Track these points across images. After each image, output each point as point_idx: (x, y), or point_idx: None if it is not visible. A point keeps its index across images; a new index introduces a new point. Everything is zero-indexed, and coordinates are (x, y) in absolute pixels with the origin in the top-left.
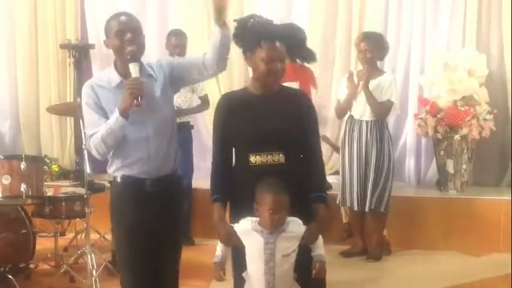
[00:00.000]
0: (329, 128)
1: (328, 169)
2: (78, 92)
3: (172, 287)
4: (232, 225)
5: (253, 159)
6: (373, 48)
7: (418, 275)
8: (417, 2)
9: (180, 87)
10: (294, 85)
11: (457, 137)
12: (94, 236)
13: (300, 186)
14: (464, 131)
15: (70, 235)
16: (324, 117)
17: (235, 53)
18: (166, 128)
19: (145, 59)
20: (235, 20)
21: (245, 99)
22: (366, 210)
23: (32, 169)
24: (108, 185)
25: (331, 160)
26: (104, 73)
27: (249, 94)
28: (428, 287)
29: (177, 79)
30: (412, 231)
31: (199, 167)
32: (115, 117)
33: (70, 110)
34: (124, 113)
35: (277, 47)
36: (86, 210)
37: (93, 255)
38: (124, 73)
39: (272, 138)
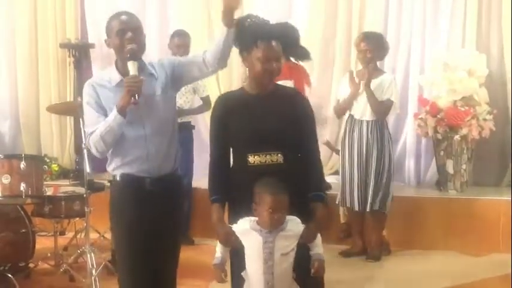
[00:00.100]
0: (329, 128)
1: (327, 169)
2: (78, 92)
3: (170, 287)
4: (230, 226)
5: (252, 159)
6: (373, 48)
7: (417, 275)
8: (417, 2)
9: (181, 86)
10: (289, 83)
11: (456, 137)
12: (94, 235)
13: (298, 186)
14: (464, 131)
15: (70, 234)
16: (323, 117)
17: (235, 52)
18: (167, 127)
19: (145, 58)
20: None
21: (242, 99)
22: (368, 210)
23: (32, 168)
24: (108, 184)
25: (330, 160)
26: (105, 72)
27: (246, 94)
28: (427, 287)
29: (178, 77)
30: (412, 231)
31: (200, 167)
32: (113, 115)
33: (70, 110)
34: (122, 111)
35: (274, 46)
36: (86, 210)
37: (92, 254)
38: (124, 72)
39: (270, 138)
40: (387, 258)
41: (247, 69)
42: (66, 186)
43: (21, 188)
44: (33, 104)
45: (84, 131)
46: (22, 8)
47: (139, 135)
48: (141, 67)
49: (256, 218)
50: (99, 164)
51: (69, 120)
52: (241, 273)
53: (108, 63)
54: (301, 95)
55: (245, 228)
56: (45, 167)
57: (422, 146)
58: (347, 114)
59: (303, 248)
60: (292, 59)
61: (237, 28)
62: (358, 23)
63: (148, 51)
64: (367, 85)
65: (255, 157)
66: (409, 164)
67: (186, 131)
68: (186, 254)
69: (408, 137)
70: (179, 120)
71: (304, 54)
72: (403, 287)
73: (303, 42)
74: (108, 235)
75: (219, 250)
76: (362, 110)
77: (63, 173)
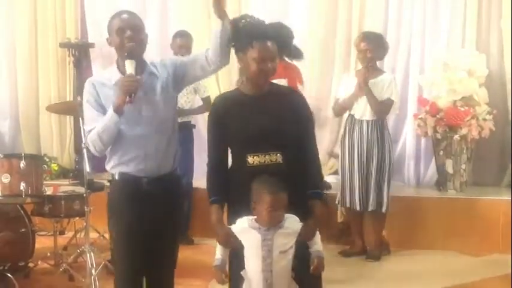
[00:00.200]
0: (329, 128)
1: (327, 169)
2: (77, 91)
3: (167, 287)
4: (230, 227)
5: (251, 159)
6: (373, 48)
7: (417, 275)
8: (417, 2)
9: (184, 86)
10: (283, 82)
11: (456, 137)
12: (93, 235)
13: (297, 185)
14: (464, 131)
15: (69, 234)
16: (323, 116)
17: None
18: (166, 127)
19: (146, 59)
20: None
21: (239, 100)
22: (370, 210)
23: (32, 168)
24: (108, 184)
25: (330, 160)
26: (107, 71)
27: (242, 95)
28: (427, 287)
29: (180, 77)
30: (412, 231)
31: (200, 166)
32: (110, 113)
33: (70, 109)
34: (118, 110)
35: (269, 46)
36: (86, 209)
37: (92, 254)
38: (124, 71)
39: (269, 137)
40: (387, 258)
41: (240, 70)
42: (65, 186)
43: (21, 188)
44: (33, 104)
45: (84, 129)
46: (22, 8)
47: (138, 134)
48: (142, 66)
49: (255, 217)
50: (99, 164)
51: (69, 120)
52: (241, 273)
53: (108, 62)
54: (297, 92)
55: (244, 227)
56: (45, 166)
57: (422, 146)
58: (347, 114)
59: (302, 247)
60: (285, 58)
61: (232, 29)
62: (358, 23)
63: (148, 51)
64: (366, 84)
65: (254, 157)
66: (409, 164)
67: (186, 131)
68: (185, 254)
69: (408, 137)
70: (179, 120)
71: (297, 54)
72: (402, 287)
73: (303, 42)
74: (108, 234)
75: (219, 251)
76: (362, 110)
77: (63, 173)
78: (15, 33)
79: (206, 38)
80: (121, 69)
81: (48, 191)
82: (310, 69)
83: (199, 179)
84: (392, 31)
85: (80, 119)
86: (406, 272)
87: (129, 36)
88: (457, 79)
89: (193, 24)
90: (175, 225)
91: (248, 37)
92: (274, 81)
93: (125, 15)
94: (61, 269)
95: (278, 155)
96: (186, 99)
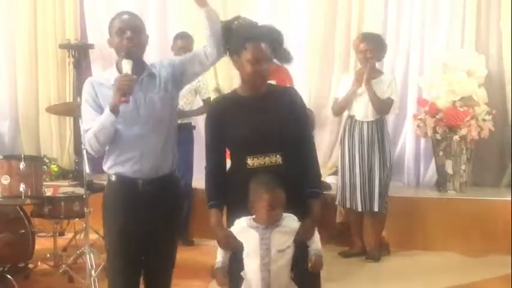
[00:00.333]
0: (329, 128)
1: (327, 169)
2: (77, 92)
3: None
4: (229, 229)
5: (251, 161)
6: (373, 48)
7: (417, 276)
8: (416, 3)
9: (184, 84)
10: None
11: (456, 137)
12: (93, 236)
13: (296, 186)
14: (463, 131)
15: (69, 235)
16: (323, 116)
17: None
18: (163, 127)
19: (145, 60)
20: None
21: (236, 102)
22: (373, 210)
23: (31, 169)
24: None
25: (330, 160)
26: (107, 72)
27: (239, 97)
28: None
29: (179, 76)
30: (411, 231)
31: (200, 167)
32: (106, 113)
33: (69, 110)
34: (114, 109)
35: (262, 47)
36: (85, 210)
37: (92, 255)
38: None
39: (269, 139)
40: (387, 258)
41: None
42: (65, 187)
43: (21, 189)
44: (32, 105)
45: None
46: (22, 9)
47: (135, 133)
48: (142, 67)
49: (253, 216)
50: (99, 165)
51: (69, 121)
52: (241, 273)
53: (109, 64)
54: (293, 90)
55: (242, 226)
56: (45, 167)
57: (422, 147)
58: (346, 115)
59: (301, 248)
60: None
61: (225, 31)
62: (357, 24)
63: (148, 52)
64: (368, 82)
65: (254, 159)
66: (409, 164)
67: (186, 132)
68: (185, 255)
69: (407, 138)
70: (180, 121)
71: (287, 58)
72: None
73: (303, 42)
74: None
75: (219, 254)
76: (362, 111)
77: (63, 174)
78: (15, 34)
79: (205, 39)
80: (119, 69)
81: (48, 192)
82: (310, 69)
83: (199, 180)
84: (392, 32)
85: (80, 119)
86: (406, 273)
87: (129, 37)
88: (456, 80)
89: (194, 26)
90: (173, 227)
91: (241, 39)
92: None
93: (125, 16)
94: (61, 270)
95: (278, 156)
96: (186, 100)
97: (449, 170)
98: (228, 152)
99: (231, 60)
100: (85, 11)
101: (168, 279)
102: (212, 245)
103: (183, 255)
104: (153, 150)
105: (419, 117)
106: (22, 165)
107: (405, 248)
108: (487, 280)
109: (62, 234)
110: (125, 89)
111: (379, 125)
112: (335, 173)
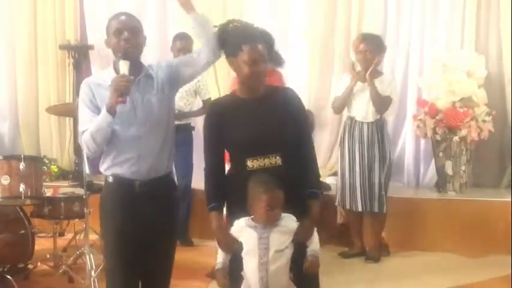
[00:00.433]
0: (328, 129)
1: (327, 170)
2: (77, 93)
3: None
4: (229, 232)
5: (251, 163)
6: (373, 48)
7: (417, 276)
8: (416, 4)
9: (181, 85)
10: None
11: (455, 138)
12: (93, 237)
13: (295, 184)
14: (463, 132)
15: (69, 235)
16: (323, 117)
17: None
18: (161, 128)
19: (143, 61)
20: (215, 26)
21: (235, 104)
22: (374, 211)
23: (31, 169)
24: None
25: (330, 161)
26: (104, 72)
27: (238, 99)
28: None
29: (176, 77)
30: (411, 232)
31: (199, 168)
32: (103, 113)
33: (69, 111)
34: (110, 110)
35: (259, 48)
36: (85, 211)
37: (91, 255)
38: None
39: (268, 140)
40: (386, 259)
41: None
42: (65, 187)
43: (21, 189)
44: (32, 105)
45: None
46: (22, 9)
47: (132, 135)
48: (139, 68)
49: (252, 216)
50: (98, 165)
51: (69, 122)
52: (241, 273)
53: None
54: (291, 90)
55: (241, 226)
56: (45, 168)
57: (422, 148)
58: (346, 115)
59: (300, 248)
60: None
61: (220, 34)
62: (357, 24)
63: (147, 53)
64: (370, 78)
65: (254, 161)
66: (408, 165)
67: (185, 133)
68: (185, 256)
69: (407, 139)
70: (178, 122)
71: (279, 61)
72: None
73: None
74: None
75: (220, 256)
76: (362, 112)
77: (63, 174)
78: (15, 34)
79: None
80: (117, 70)
81: (48, 193)
82: (310, 70)
83: (199, 181)
84: (392, 32)
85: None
86: (406, 273)
87: (126, 38)
88: (456, 80)
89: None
90: (170, 228)
91: (237, 41)
92: None
93: (123, 17)
94: (60, 271)
95: (277, 157)
96: (186, 101)
97: (449, 171)
98: (227, 155)
99: (228, 63)
100: (85, 11)
101: (167, 280)
102: (212, 246)
103: (182, 255)
104: (150, 152)
105: (419, 117)
106: (22, 165)
107: (405, 249)
108: (487, 281)
109: (61, 234)
110: (121, 90)
111: (379, 125)
112: (335, 174)
